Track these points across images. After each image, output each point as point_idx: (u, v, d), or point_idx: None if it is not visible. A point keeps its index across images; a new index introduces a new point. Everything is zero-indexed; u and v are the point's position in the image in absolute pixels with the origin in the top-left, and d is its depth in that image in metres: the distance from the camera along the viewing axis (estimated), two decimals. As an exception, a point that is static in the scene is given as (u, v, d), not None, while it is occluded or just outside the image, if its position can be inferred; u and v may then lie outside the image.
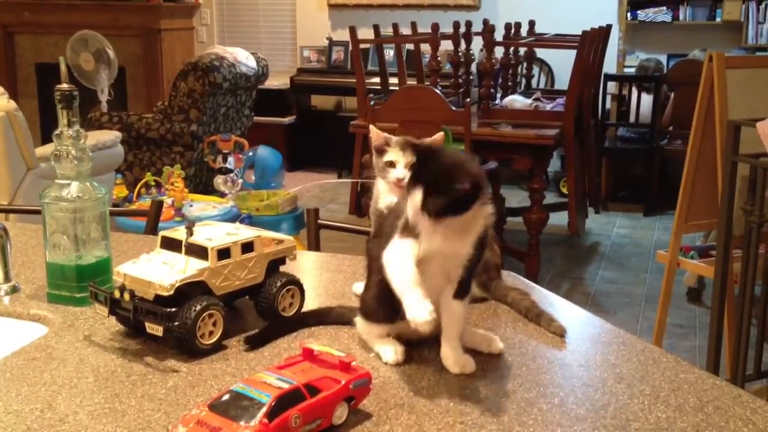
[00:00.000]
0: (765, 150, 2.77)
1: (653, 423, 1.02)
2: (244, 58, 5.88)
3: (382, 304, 1.17)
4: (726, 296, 3.08)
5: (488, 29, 4.39)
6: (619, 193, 6.31)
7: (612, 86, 6.28)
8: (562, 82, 6.60)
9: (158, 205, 2.03)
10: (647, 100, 6.03)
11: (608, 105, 6.29)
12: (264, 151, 6.33)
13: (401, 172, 1.35)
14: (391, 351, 1.19)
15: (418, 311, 1.06)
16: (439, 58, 4.53)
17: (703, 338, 3.86)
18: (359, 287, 1.45)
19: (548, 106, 4.61)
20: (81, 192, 1.39)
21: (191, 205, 4.22)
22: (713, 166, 3.35)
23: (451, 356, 1.16)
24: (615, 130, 6.38)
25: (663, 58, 6.57)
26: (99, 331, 1.29)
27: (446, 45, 4.96)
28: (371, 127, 1.46)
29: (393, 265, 1.12)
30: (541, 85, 6.64)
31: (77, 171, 1.39)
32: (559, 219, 5.17)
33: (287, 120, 7.32)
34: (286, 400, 0.95)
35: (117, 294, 1.21)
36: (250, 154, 5.35)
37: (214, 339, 1.21)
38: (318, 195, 6.52)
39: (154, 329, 1.18)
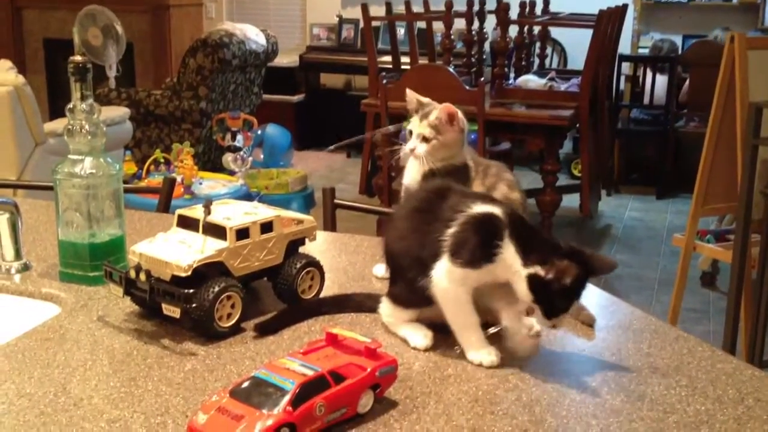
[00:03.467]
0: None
1: (692, 416, 0.98)
2: (254, 35, 5.81)
3: (412, 292, 1.13)
4: (743, 281, 3.04)
5: (503, 7, 4.32)
6: (631, 175, 6.24)
7: (626, 67, 6.19)
8: (575, 62, 6.52)
9: (171, 183, 1.99)
10: (661, 81, 5.95)
11: (622, 86, 6.20)
12: (273, 130, 6.28)
13: (413, 142, 1.34)
14: (420, 336, 1.15)
15: (483, 357, 1.10)
16: (452, 37, 4.46)
17: (716, 323, 3.82)
18: (380, 270, 1.41)
19: (562, 87, 4.54)
20: (94, 168, 1.34)
21: (201, 183, 4.18)
22: (732, 149, 3.29)
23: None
24: (628, 111, 6.30)
25: (678, 39, 6.48)
26: (113, 312, 1.25)
27: (459, 23, 4.88)
28: (407, 90, 1.42)
29: (449, 305, 1.11)
30: (554, 66, 6.55)
31: (91, 146, 1.34)
32: (571, 201, 5.11)
33: (296, 98, 7.25)
34: (311, 388, 0.91)
35: (132, 274, 1.17)
36: (259, 132, 5.30)
37: (233, 321, 1.17)
38: (327, 174, 6.47)
39: (171, 311, 1.14)
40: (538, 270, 1.04)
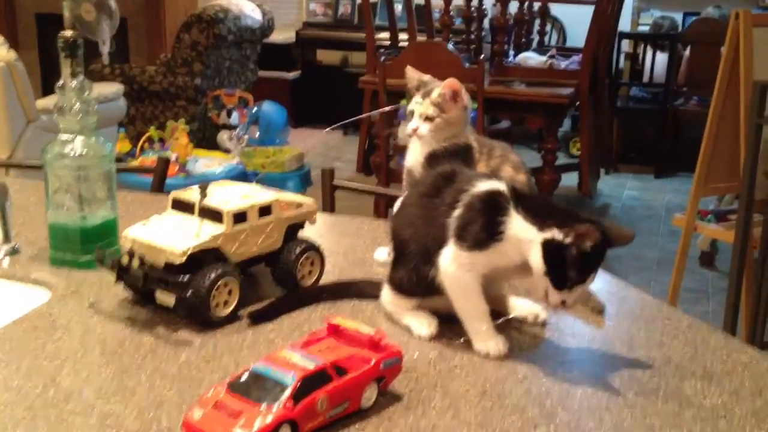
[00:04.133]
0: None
1: (709, 410, 0.94)
2: (250, 11, 5.73)
3: (416, 281, 1.09)
4: (745, 262, 3.00)
5: (502, -17, 4.25)
6: (629, 154, 6.19)
7: (626, 44, 6.13)
8: (574, 39, 6.45)
9: (165, 162, 1.94)
10: (661, 59, 5.88)
11: (621, 64, 6.14)
12: (268, 107, 6.19)
13: (415, 122, 1.30)
14: (424, 324, 1.11)
15: (491, 347, 1.05)
16: (451, 13, 4.39)
17: (716, 303, 3.79)
18: (381, 253, 1.37)
19: (563, 64, 4.48)
20: (86, 148, 1.29)
21: (196, 161, 4.12)
22: (735, 129, 3.24)
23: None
24: (627, 89, 6.25)
25: (678, 16, 6.41)
26: (105, 298, 1.21)
27: (457, 0, 4.81)
28: (408, 68, 1.37)
29: (457, 292, 1.07)
30: (554, 43, 6.48)
31: (81, 125, 1.29)
32: (569, 180, 5.07)
33: (292, 75, 7.17)
34: (312, 381, 0.87)
35: (125, 260, 1.13)
36: (255, 109, 5.24)
37: (229, 309, 1.13)
38: (323, 152, 6.40)
39: (165, 299, 1.10)
40: (556, 234, 0.98)
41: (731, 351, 1.08)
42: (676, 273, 3.60)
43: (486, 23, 5.13)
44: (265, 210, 1.18)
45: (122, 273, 1.14)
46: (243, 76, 6.01)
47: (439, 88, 1.32)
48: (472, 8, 4.68)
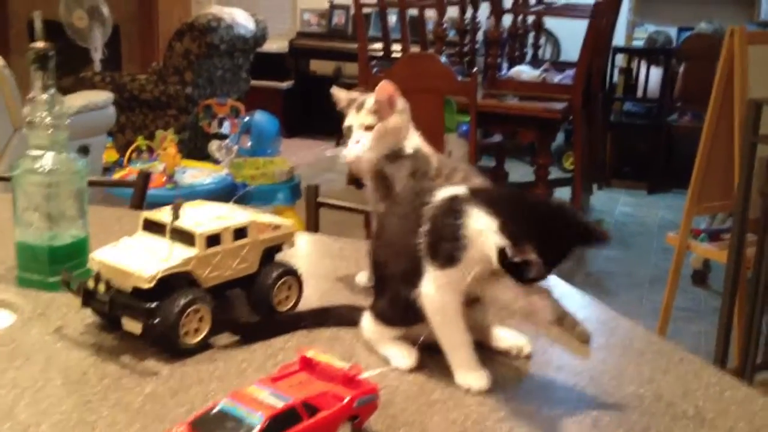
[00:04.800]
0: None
1: (701, 453, 0.89)
2: (243, 20, 5.69)
3: (399, 308, 1.04)
4: (738, 282, 2.96)
5: (497, -4, 4.22)
6: (623, 169, 6.15)
7: (620, 59, 6.10)
8: (568, 53, 6.42)
9: (145, 177, 1.89)
10: (655, 74, 5.86)
11: (615, 78, 6.11)
12: (260, 117, 6.15)
13: (357, 135, 1.21)
14: (403, 355, 1.06)
15: (472, 381, 1.01)
16: (445, 25, 4.36)
17: (708, 323, 3.74)
18: (362, 278, 1.32)
19: (556, 78, 4.45)
20: (56, 164, 1.24)
21: (184, 172, 4.06)
22: (729, 146, 3.20)
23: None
24: (621, 104, 6.22)
25: (673, 31, 6.39)
26: (72, 322, 1.15)
27: (451, 12, 4.77)
28: (333, 89, 1.30)
29: (436, 318, 1.01)
30: (547, 56, 6.45)
31: (52, 140, 1.24)
32: (562, 194, 5.03)
33: (285, 85, 7.14)
34: (280, 422, 0.82)
35: (91, 284, 1.07)
36: (246, 119, 5.19)
37: (200, 337, 1.08)
38: (314, 163, 6.36)
39: (132, 326, 1.04)
40: (507, 247, 0.92)
41: (724, 388, 1.03)
42: (668, 292, 3.56)
43: (480, 36, 5.09)
44: (240, 232, 1.13)
45: (88, 298, 1.09)
46: (235, 85, 5.97)
47: (370, 101, 1.24)
48: (466, 20, 4.64)
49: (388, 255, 1.07)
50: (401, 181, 1.20)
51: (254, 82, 6.30)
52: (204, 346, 1.08)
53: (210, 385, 1.00)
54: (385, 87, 1.22)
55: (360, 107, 1.23)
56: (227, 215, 1.16)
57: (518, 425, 0.93)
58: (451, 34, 5.54)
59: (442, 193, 1.01)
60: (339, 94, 1.28)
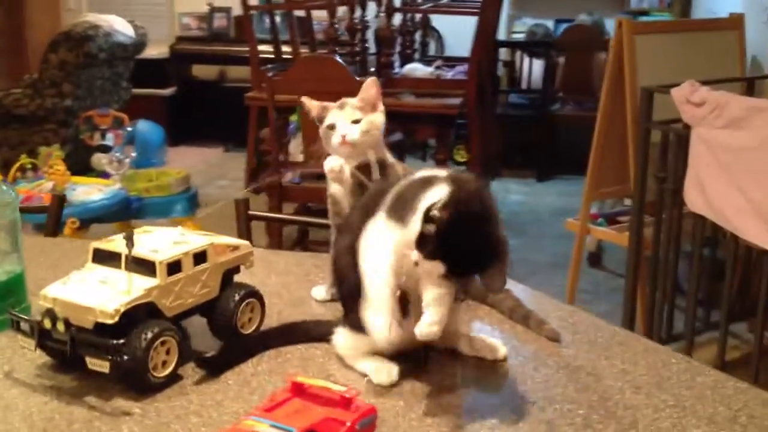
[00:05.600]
0: (676, 116, 2.74)
1: (692, 442, 0.92)
2: (121, 27, 5.50)
3: None
4: (639, 262, 3.08)
5: (387, -5, 4.23)
6: (511, 159, 6.31)
7: (502, 53, 6.25)
8: (453, 49, 6.52)
9: (60, 201, 1.79)
10: (537, 66, 6.03)
11: (499, 71, 6.26)
12: (144, 126, 5.96)
13: (343, 128, 1.21)
14: (383, 371, 1.03)
15: (377, 329, 0.98)
16: (337, 25, 4.34)
17: (608, 303, 3.88)
18: (319, 292, 1.29)
19: (449, 74, 4.50)
20: (-16, 196, 1.16)
21: (74, 189, 3.88)
22: (622, 134, 3.33)
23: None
24: (506, 96, 6.37)
25: (551, 24, 6.59)
26: (21, 365, 1.08)
27: (338, 12, 4.75)
28: (303, 99, 1.29)
29: (368, 263, 1.00)
30: (432, 53, 6.53)
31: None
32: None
33: (167, 92, 6.94)
34: (288, 454, 0.79)
35: (47, 324, 1.00)
36: (129, 129, 5.02)
37: (169, 370, 1.02)
38: (204, 170, 6.21)
39: (98, 365, 0.98)
40: (440, 201, 0.93)
41: (695, 374, 1.07)
42: (572, 276, 3.68)
43: (368, 35, 5.09)
44: (199, 257, 1.08)
45: (43, 339, 1.01)
46: (116, 95, 5.76)
47: (354, 100, 1.25)
48: (356, 20, 4.64)
49: (350, 258, 1.04)
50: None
51: (135, 90, 6.10)
52: (172, 379, 1.03)
53: (189, 421, 0.95)
54: (371, 85, 1.23)
55: (343, 106, 1.24)
56: (182, 239, 1.10)
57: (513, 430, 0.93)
58: (340, 34, 5.52)
59: (422, 173, 1.02)
60: (310, 103, 1.27)
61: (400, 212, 0.98)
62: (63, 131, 5.24)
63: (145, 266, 1.03)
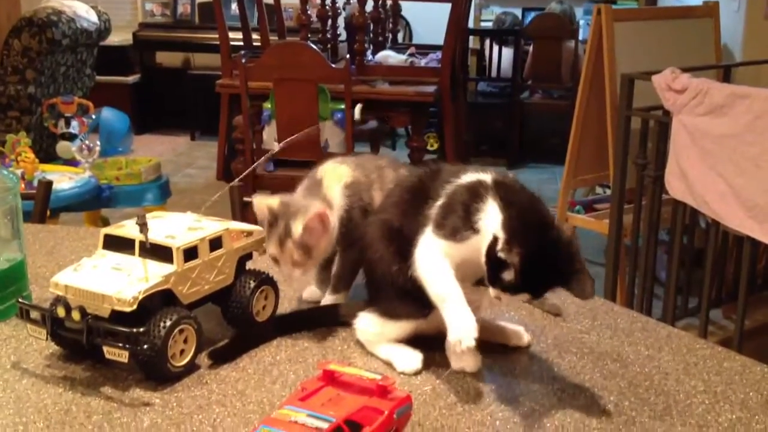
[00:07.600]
0: (654, 103, 2.75)
1: (727, 427, 0.91)
2: (84, 12, 5.37)
3: (404, 298, 1.01)
4: (620, 249, 3.09)
5: (359, -19, 4.18)
6: (480, 147, 6.31)
7: (472, 41, 6.24)
8: (421, 37, 6.51)
9: (47, 186, 1.73)
10: (506, 54, 6.03)
11: (468, 59, 6.25)
12: (109, 114, 5.85)
13: (287, 270, 1.10)
14: (408, 358, 1.02)
15: (465, 334, 0.93)
16: (309, 11, 4.29)
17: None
18: (312, 293, 1.24)
19: (423, 62, 4.48)
20: (-17, 180, 1.11)
21: (43, 177, 3.78)
22: (600, 121, 3.33)
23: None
24: (475, 84, 6.37)
25: (518, 12, 6.60)
26: (28, 356, 1.03)
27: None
28: (255, 198, 1.11)
29: (430, 274, 0.97)
30: (401, 40, 6.51)
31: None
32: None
33: (131, 79, 6.81)
34: (330, 444, 0.76)
35: (61, 312, 0.96)
36: (94, 117, 4.91)
37: (187, 359, 0.99)
38: (172, 159, 6.12)
39: (116, 354, 0.94)
40: (501, 239, 0.91)
41: (721, 359, 1.06)
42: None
43: (339, 21, 5.05)
44: (215, 242, 1.05)
45: (56, 328, 0.97)
46: (80, 81, 5.64)
47: (299, 221, 1.07)
48: (327, 7, 4.59)
49: (385, 244, 1.02)
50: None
51: (99, 78, 5.98)
52: (189, 368, 0.99)
53: (212, 411, 0.92)
54: (319, 213, 1.08)
55: (287, 235, 1.07)
56: (197, 225, 1.06)
57: (548, 418, 0.91)
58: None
59: (468, 177, 0.99)
60: (260, 204, 1.09)
61: (450, 227, 0.96)
62: (27, 119, 5.11)
63: (161, 252, 1.00)
